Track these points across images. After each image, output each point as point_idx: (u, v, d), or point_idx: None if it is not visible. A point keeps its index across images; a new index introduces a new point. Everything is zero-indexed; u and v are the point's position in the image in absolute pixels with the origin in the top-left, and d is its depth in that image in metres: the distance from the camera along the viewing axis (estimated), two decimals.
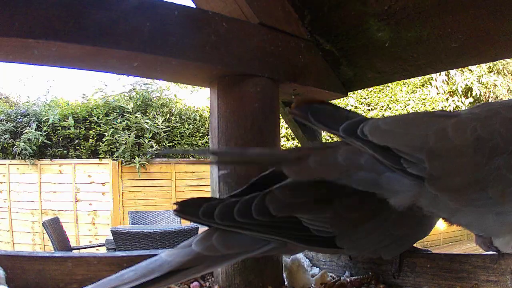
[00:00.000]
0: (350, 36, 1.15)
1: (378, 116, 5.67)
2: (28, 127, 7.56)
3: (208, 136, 1.36)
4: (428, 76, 9.11)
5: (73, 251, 5.55)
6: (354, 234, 0.78)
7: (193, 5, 1.11)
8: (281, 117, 1.27)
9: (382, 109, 9.20)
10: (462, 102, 9.63)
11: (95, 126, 7.72)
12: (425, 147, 0.70)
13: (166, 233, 4.31)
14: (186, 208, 0.73)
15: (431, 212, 0.75)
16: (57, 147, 7.66)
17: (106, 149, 7.55)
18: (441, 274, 0.88)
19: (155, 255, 0.73)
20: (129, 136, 7.43)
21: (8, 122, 7.72)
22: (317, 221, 0.75)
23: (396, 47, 1.10)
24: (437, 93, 9.78)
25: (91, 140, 7.67)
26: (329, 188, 0.79)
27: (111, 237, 4.53)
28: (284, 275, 1.06)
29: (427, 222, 0.88)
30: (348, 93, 1.31)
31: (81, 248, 6.18)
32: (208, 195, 1.03)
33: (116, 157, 7.44)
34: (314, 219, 0.75)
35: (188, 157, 8.05)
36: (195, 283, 1.02)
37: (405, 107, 9.35)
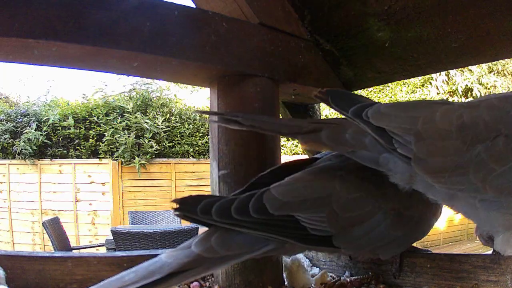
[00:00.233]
0: (350, 36, 1.15)
1: None
2: (28, 127, 7.56)
3: (208, 136, 1.36)
4: (428, 76, 9.12)
5: (73, 251, 5.55)
6: (351, 233, 0.79)
7: (193, 5, 1.11)
8: (281, 117, 1.27)
9: None
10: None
11: (95, 126, 7.72)
12: (413, 129, 0.74)
13: (166, 233, 4.30)
14: (184, 205, 0.73)
15: (428, 196, 0.78)
16: (57, 147, 7.67)
17: (106, 149, 7.55)
18: (441, 274, 0.88)
19: (155, 255, 0.73)
20: (129, 136, 7.43)
21: (8, 122, 7.72)
22: (314, 220, 0.76)
23: (396, 47, 1.10)
24: (437, 93, 9.78)
25: (91, 140, 7.67)
26: (327, 187, 0.79)
27: (111, 237, 4.52)
28: (284, 275, 1.07)
29: (426, 222, 0.88)
30: None
31: (81, 248, 6.18)
32: None
33: (116, 157, 7.44)
34: (312, 218, 0.76)
35: (188, 157, 8.05)
36: (195, 283, 1.02)
37: None
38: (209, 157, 1.08)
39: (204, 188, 7.61)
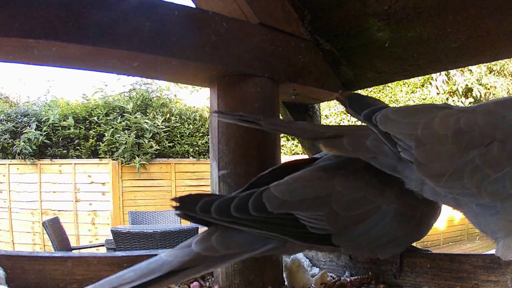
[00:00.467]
0: (350, 36, 1.15)
1: None
2: (28, 127, 7.56)
3: (208, 136, 1.36)
4: (428, 76, 9.12)
5: (73, 251, 5.55)
6: (350, 232, 0.79)
7: (193, 5, 1.11)
8: (281, 117, 1.27)
9: None
10: (462, 103, 9.64)
11: (95, 126, 7.72)
12: (414, 135, 0.75)
13: (166, 233, 4.30)
14: (184, 204, 0.73)
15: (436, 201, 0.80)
16: (57, 147, 7.67)
17: (106, 149, 7.55)
18: (441, 274, 0.88)
19: (155, 255, 0.73)
20: (129, 136, 7.43)
21: (8, 122, 7.72)
22: (313, 218, 0.76)
23: (396, 47, 1.10)
24: (437, 93, 9.78)
25: (91, 140, 7.67)
26: (326, 186, 0.79)
27: (111, 237, 4.52)
28: (284, 275, 1.07)
29: (426, 222, 0.88)
30: None
31: (81, 248, 6.18)
32: None
33: (116, 157, 7.44)
34: (311, 216, 0.76)
35: (188, 157, 8.06)
36: (195, 283, 1.02)
37: None
38: (209, 157, 1.08)
39: (204, 188, 7.61)
